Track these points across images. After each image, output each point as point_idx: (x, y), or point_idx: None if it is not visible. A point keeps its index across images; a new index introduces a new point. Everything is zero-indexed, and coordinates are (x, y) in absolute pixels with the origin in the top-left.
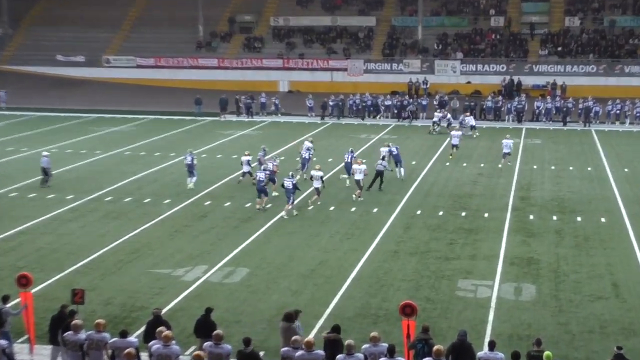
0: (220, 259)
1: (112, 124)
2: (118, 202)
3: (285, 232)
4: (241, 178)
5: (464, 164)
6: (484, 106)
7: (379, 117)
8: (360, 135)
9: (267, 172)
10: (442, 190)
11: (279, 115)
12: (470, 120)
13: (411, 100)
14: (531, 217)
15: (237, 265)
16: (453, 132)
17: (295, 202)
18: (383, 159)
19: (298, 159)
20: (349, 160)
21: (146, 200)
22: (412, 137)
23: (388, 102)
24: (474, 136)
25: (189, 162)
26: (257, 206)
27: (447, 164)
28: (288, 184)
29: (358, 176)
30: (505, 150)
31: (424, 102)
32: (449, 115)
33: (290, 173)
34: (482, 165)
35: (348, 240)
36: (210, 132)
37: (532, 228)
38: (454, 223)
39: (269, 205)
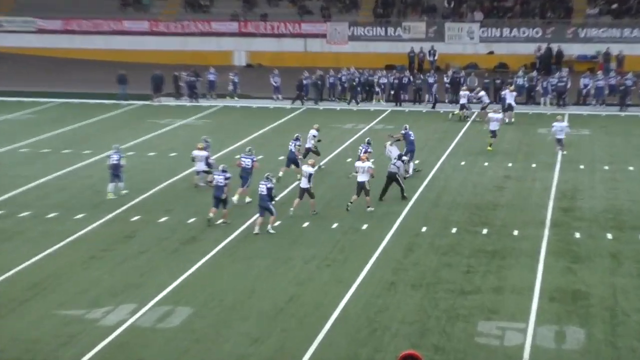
0: (154, 295)
1: (3, 110)
2: (11, 218)
3: (244, 257)
4: (200, 184)
5: (485, 163)
6: (512, 84)
7: (376, 101)
8: (344, 125)
9: (225, 176)
10: (456, 199)
11: (235, 98)
12: (485, 97)
13: (412, 77)
14: (577, 235)
15: (176, 303)
16: (492, 115)
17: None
18: (400, 157)
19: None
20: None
21: (50, 215)
22: (414, 127)
23: (383, 80)
24: (507, 121)
25: (115, 162)
26: (210, 214)
27: (463, 163)
28: (262, 189)
29: (362, 177)
30: (559, 136)
31: (430, 80)
32: (482, 93)
33: (267, 175)
34: (509, 164)
35: (328, 267)
36: (140, 122)
37: (579, 250)
38: (472, 244)
39: (220, 222)
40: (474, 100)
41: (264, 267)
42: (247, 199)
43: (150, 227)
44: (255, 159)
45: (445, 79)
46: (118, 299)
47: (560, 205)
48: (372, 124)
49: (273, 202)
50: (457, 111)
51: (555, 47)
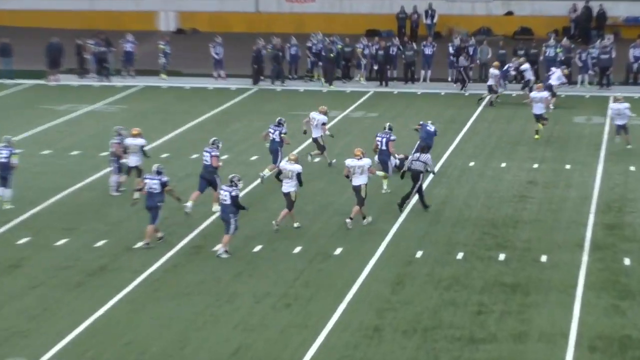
0: (48, 345)
1: None
2: None
3: (173, 294)
4: (113, 193)
5: (503, 164)
6: (540, 57)
7: (359, 78)
8: (312, 113)
9: (161, 180)
10: (463, 213)
11: (163, 75)
12: (528, 71)
13: (403, 47)
14: (627, 261)
15: (79, 357)
16: (534, 94)
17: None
18: (423, 150)
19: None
20: (383, 146)
21: None
22: (405, 115)
23: (364, 52)
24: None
25: (3, 161)
26: (144, 241)
27: (472, 163)
28: (224, 196)
29: (358, 179)
30: (619, 122)
31: (427, 51)
32: (526, 66)
33: (231, 177)
34: (535, 165)
35: (288, 308)
36: (29, 108)
37: (630, 283)
38: (486, 274)
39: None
40: (512, 74)
41: (201, 307)
42: (215, 207)
43: (44, 252)
44: (215, 154)
45: (450, 49)
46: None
47: (603, 220)
48: (348, 111)
49: (235, 218)
50: (486, 95)
51: (595, 5)
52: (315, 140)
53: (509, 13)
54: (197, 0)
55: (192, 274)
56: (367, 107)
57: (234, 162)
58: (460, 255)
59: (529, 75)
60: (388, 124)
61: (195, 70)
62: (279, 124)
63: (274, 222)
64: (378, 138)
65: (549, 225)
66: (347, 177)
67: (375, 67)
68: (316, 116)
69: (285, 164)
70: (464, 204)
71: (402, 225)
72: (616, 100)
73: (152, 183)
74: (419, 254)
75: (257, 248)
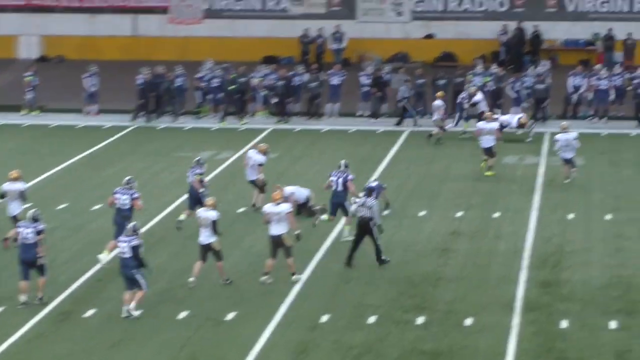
0: None
1: None
2: None
3: None
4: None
5: (422, 212)
6: (465, 87)
7: (261, 114)
8: (197, 154)
9: (37, 228)
10: (376, 270)
11: (34, 112)
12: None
13: (306, 75)
14: (564, 324)
15: None
16: (482, 125)
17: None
18: (370, 192)
19: None
20: (339, 187)
21: None
22: (309, 157)
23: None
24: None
25: None
26: (21, 296)
27: (387, 212)
28: (123, 249)
29: (277, 227)
30: (566, 155)
31: (334, 81)
32: (479, 97)
33: (132, 225)
34: (459, 213)
35: None
36: None
37: (568, 348)
38: (402, 341)
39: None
40: (465, 106)
41: None
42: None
43: None
44: (136, 195)
45: (363, 79)
46: None
47: (538, 277)
48: (242, 152)
49: (140, 273)
50: (435, 132)
51: (529, 27)
52: (253, 182)
53: (429, 36)
54: (63, 23)
55: (59, 345)
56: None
57: (110, 211)
58: (372, 319)
59: (483, 107)
60: (344, 161)
61: (61, 105)
62: (199, 164)
63: (190, 279)
64: (332, 178)
65: (475, 283)
66: (268, 223)
67: (274, 100)
68: (253, 155)
69: (202, 213)
70: (372, 258)
71: (306, 285)
72: (563, 129)
73: (26, 232)
74: (324, 317)
75: (136, 313)
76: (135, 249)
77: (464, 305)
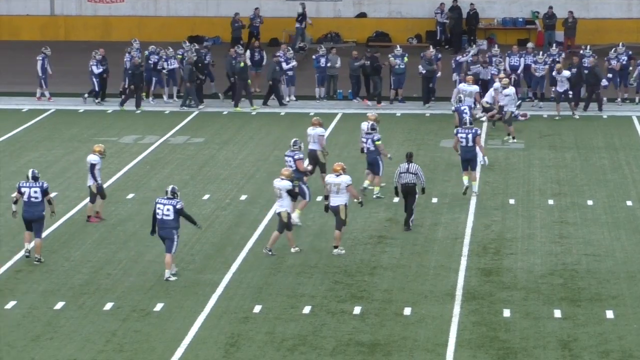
0: None
1: None
2: None
3: None
4: None
5: (357, 200)
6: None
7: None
8: (121, 139)
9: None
10: (310, 258)
11: None
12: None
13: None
14: (506, 313)
15: None
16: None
17: None
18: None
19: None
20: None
21: None
22: (237, 138)
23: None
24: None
25: None
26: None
27: (319, 199)
28: (167, 210)
29: (337, 199)
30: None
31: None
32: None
33: (172, 187)
34: (395, 199)
35: None
36: None
37: (510, 339)
38: (338, 332)
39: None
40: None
41: None
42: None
43: None
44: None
45: (281, 59)
46: None
47: (478, 265)
48: (167, 136)
49: (178, 234)
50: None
51: (465, 5)
52: (312, 154)
53: (362, 15)
54: None
55: None
56: (190, 131)
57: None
58: (307, 310)
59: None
60: (294, 139)
61: None
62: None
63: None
64: (363, 139)
65: (413, 272)
66: (326, 197)
67: (188, 83)
68: (311, 132)
69: (276, 182)
70: (310, 248)
71: (236, 275)
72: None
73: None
74: (257, 308)
75: (59, 305)
76: (180, 210)
77: (402, 294)
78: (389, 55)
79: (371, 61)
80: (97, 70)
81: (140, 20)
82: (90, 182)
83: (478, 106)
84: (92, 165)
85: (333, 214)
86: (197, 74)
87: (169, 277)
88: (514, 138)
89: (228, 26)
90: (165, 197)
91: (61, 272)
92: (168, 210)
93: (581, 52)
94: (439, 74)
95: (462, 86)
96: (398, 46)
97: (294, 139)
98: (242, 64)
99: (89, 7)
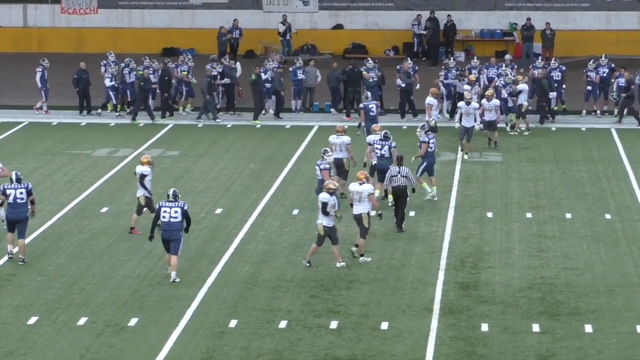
0: None
1: None
2: None
3: None
4: None
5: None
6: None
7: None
8: (94, 153)
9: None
10: (286, 272)
11: None
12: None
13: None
14: (484, 327)
15: None
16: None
17: None
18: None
19: None
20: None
21: None
22: (212, 151)
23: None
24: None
25: None
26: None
27: (296, 212)
28: (175, 212)
29: (360, 207)
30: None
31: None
32: (523, 86)
33: (173, 190)
34: (372, 213)
35: None
36: None
37: (488, 353)
38: (314, 347)
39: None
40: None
41: None
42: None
43: None
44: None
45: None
46: None
47: (456, 279)
48: (142, 149)
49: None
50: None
51: (443, 17)
52: (336, 162)
53: (338, 26)
54: None
55: None
56: (165, 144)
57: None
58: (283, 324)
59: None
60: (384, 131)
61: None
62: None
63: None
64: (377, 145)
65: (391, 286)
66: (352, 205)
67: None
68: (335, 140)
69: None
70: (287, 262)
71: (211, 290)
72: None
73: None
74: (232, 323)
75: (32, 320)
76: (187, 212)
77: (379, 308)
78: (362, 69)
79: (354, 71)
80: (109, 82)
81: (115, 32)
82: (140, 193)
83: (479, 121)
84: (143, 176)
85: (356, 222)
86: (215, 87)
87: (175, 279)
88: (528, 130)
89: (203, 38)
90: (168, 200)
91: (34, 287)
92: (176, 212)
93: (532, 65)
94: (417, 87)
95: (463, 104)
96: (369, 59)
97: (324, 149)
98: (253, 77)
99: (62, 18)
